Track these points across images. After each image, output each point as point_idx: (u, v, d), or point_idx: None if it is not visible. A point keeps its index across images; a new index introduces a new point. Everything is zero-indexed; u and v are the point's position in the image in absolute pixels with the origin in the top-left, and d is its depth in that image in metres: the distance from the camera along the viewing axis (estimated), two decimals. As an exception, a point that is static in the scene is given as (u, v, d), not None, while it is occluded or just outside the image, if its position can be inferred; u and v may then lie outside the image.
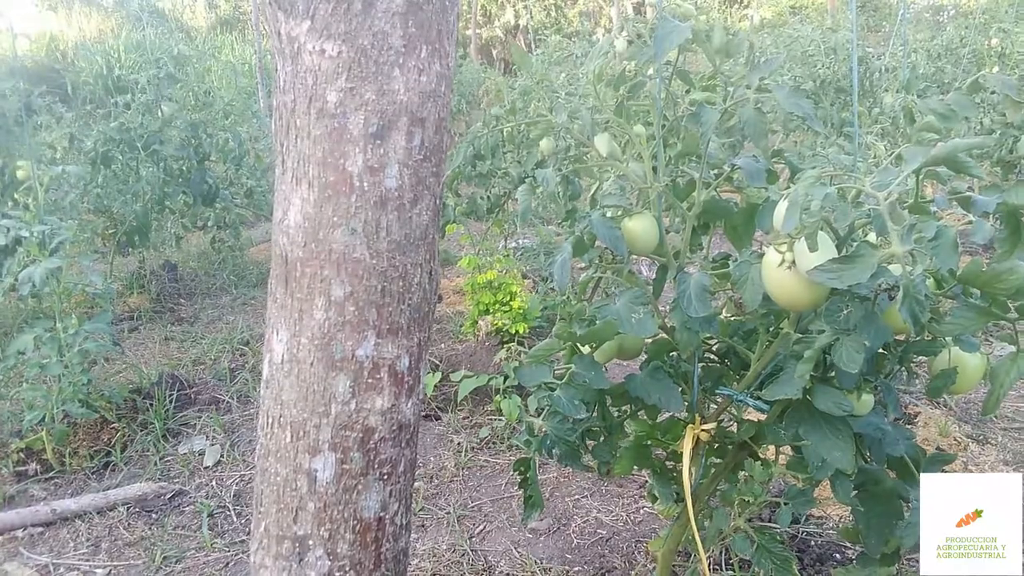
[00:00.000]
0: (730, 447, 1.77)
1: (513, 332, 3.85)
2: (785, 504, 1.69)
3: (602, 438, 1.77)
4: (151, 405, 3.51)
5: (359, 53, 1.08)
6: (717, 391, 1.70)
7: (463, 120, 10.49)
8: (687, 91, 1.82)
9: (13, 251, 3.49)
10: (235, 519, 2.82)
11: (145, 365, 4.17)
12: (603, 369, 1.63)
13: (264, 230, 7.24)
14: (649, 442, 1.76)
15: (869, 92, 5.03)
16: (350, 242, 1.12)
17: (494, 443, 3.27)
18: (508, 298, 3.92)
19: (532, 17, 17.57)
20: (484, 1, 18.52)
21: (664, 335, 1.67)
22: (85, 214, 5.25)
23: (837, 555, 2.38)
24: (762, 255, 1.33)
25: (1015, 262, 1.15)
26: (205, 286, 5.78)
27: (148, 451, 3.29)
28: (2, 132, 4.51)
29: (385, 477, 1.21)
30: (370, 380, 1.17)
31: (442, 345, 4.20)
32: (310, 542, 1.19)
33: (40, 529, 2.80)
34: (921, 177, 1.27)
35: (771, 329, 1.56)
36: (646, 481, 2.88)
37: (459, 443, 3.25)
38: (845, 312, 1.24)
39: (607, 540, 2.58)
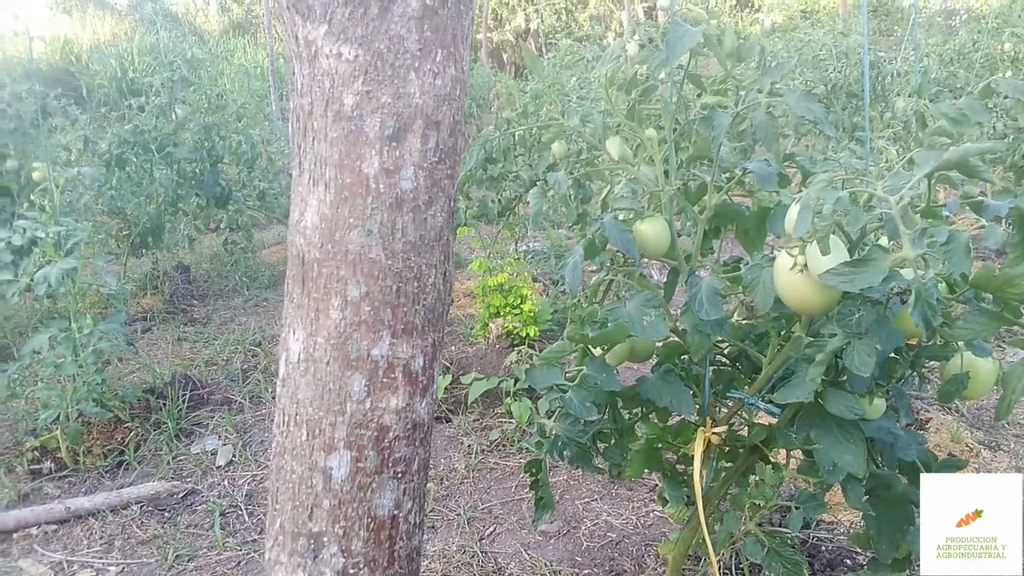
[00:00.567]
0: (741, 451, 1.77)
1: (524, 335, 3.86)
2: (796, 508, 1.69)
3: (613, 440, 1.78)
4: (164, 405, 3.54)
5: (375, 57, 1.09)
6: (728, 394, 1.71)
7: (474, 124, 10.53)
8: (698, 95, 1.83)
9: (29, 251, 3.53)
10: (247, 518, 2.84)
11: (158, 365, 4.21)
12: (615, 372, 1.63)
13: (276, 232, 7.28)
14: (660, 445, 1.76)
15: (881, 97, 5.01)
16: (366, 243, 1.13)
17: (504, 446, 3.28)
18: (519, 301, 3.93)
19: (543, 21, 17.60)
20: (495, 5, 18.57)
21: (675, 338, 1.68)
22: (99, 215, 5.30)
23: (848, 561, 2.37)
24: (774, 259, 1.33)
25: (1028, 267, 1.15)
26: (218, 287, 5.82)
27: (161, 450, 3.31)
28: (18, 134, 4.57)
29: (399, 475, 1.23)
30: (385, 379, 1.18)
31: (453, 348, 4.21)
32: (325, 539, 1.20)
33: (54, 527, 2.82)
34: (933, 181, 1.27)
35: (782, 333, 1.56)
36: (656, 485, 2.88)
37: (469, 445, 3.27)
38: (857, 316, 1.24)
39: (617, 543, 2.59)
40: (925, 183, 1.24)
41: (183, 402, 3.63)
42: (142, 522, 2.83)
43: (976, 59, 5.80)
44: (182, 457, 3.29)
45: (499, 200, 4.26)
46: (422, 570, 2.41)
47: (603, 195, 1.87)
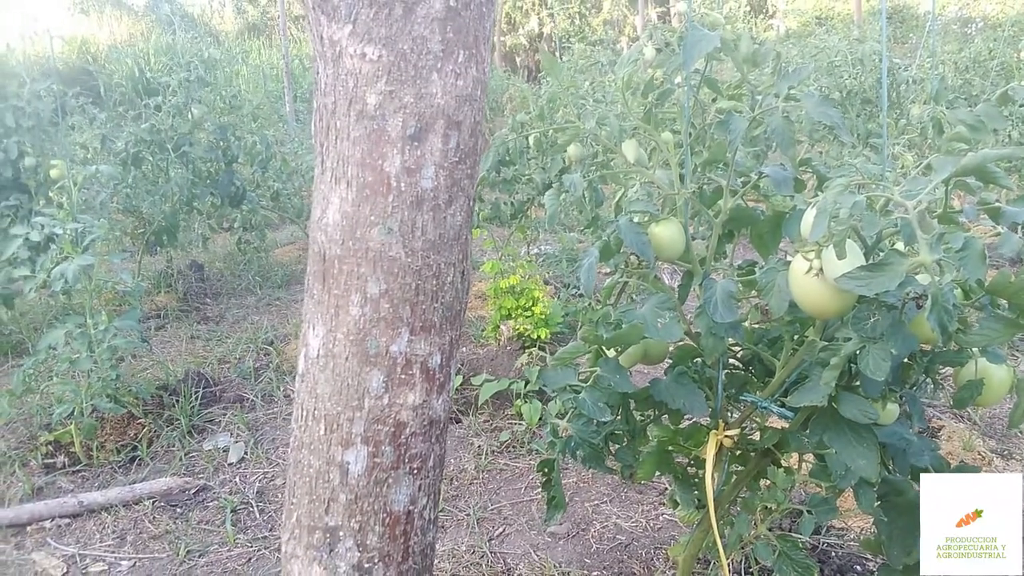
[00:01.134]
0: (753, 454, 1.77)
1: (535, 337, 3.87)
2: (808, 513, 1.69)
3: (625, 442, 1.79)
4: (177, 402, 3.56)
5: (399, 57, 1.11)
6: (741, 398, 1.71)
7: (487, 127, 10.55)
8: (713, 99, 1.83)
9: (46, 248, 3.57)
10: (258, 515, 2.86)
11: (172, 362, 4.24)
12: (628, 373, 1.64)
13: (289, 232, 7.32)
14: (671, 448, 1.77)
15: (896, 103, 5.00)
16: (386, 241, 1.15)
17: (514, 447, 3.29)
18: (530, 303, 3.94)
19: (556, 25, 17.62)
20: (508, 9, 18.61)
21: (689, 341, 1.69)
22: (115, 213, 5.35)
23: (858, 567, 2.37)
24: (789, 262, 1.34)
25: (1044, 273, 1.16)
26: (231, 286, 5.86)
27: (173, 447, 3.34)
28: (37, 132, 4.61)
29: (415, 471, 1.24)
30: (403, 376, 1.19)
31: (464, 349, 4.23)
32: (341, 533, 1.22)
33: (67, 520, 2.85)
34: (950, 187, 1.28)
35: (796, 337, 1.56)
36: (666, 488, 2.88)
37: (479, 446, 3.27)
38: (872, 320, 1.25)
39: (626, 546, 2.59)
40: (942, 188, 1.25)
41: (196, 399, 3.65)
42: (154, 517, 2.85)
43: (992, 67, 5.78)
44: (194, 454, 3.32)
45: (512, 203, 4.27)
46: (432, 569, 2.42)
47: (616, 198, 1.88)
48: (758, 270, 1.50)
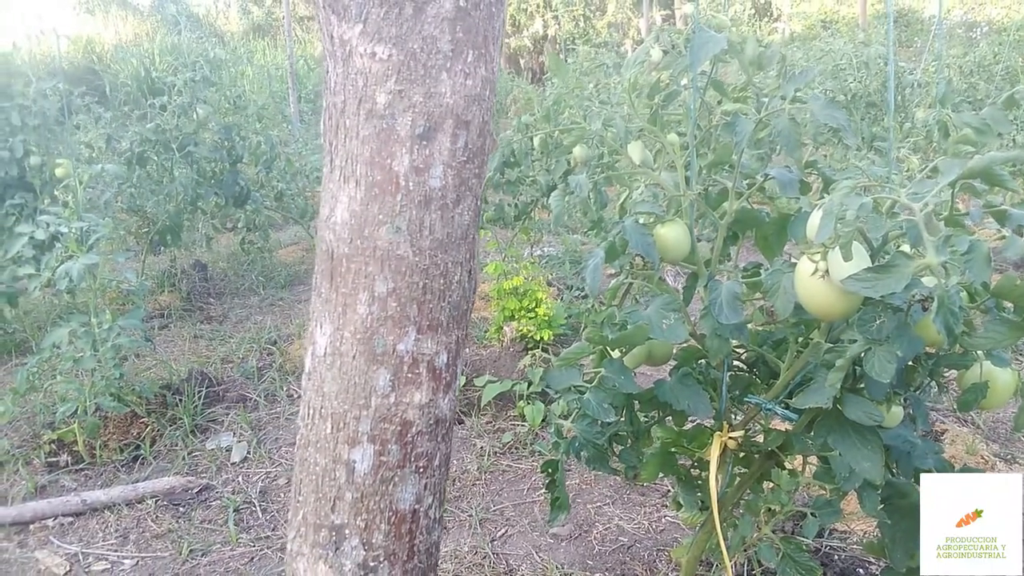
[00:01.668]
0: (756, 456, 1.77)
1: (538, 339, 3.87)
2: (812, 515, 1.69)
3: (629, 443, 1.79)
4: (180, 401, 3.57)
5: (409, 56, 1.11)
6: (746, 399, 1.71)
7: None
8: (719, 102, 1.84)
9: (51, 246, 3.58)
10: (260, 515, 2.87)
11: (175, 362, 4.24)
12: (632, 374, 1.64)
13: (293, 233, 7.33)
14: (675, 449, 1.77)
15: (901, 107, 5.00)
16: (394, 239, 1.15)
17: (517, 448, 3.29)
18: (533, 305, 3.94)
19: (560, 28, 17.64)
20: (512, 11, 18.62)
21: (694, 342, 1.69)
22: (119, 213, 5.36)
23: (860, 570, 2.37)
24: (794, 264, 1.34)
25: (1050, 277, 1.16)
26: (234, 286, 5.87)
27: (176, 446, 3.34)
28: (42, 131, 4.63)
29: (421, 470, 1.24)
30: (410, 375, 1.20)
31: (467, 350, 4.23)
32: (347, 531, 1.22)
33: (70, 519, 2.85)
34: (956, 190, 1.28)
35: (800, 339, 1.57)
36: (668, 490, 2.88)
37: (482, 447, 3.28)
38: (878, 322, 1.25)
39: (628, 547, 2.59)
40: (949, 191, 1.25)
41: (199, 399, 3.66)
42: (157, 516, 2.86)
43: (997, 72, 5.78)
44: (197, 453, 3.32)
45: (516, 204, 4.27)
46: (435, 569, 2.42)
47: (621, 200, 1.89)
48: (763, 272, 1.51)
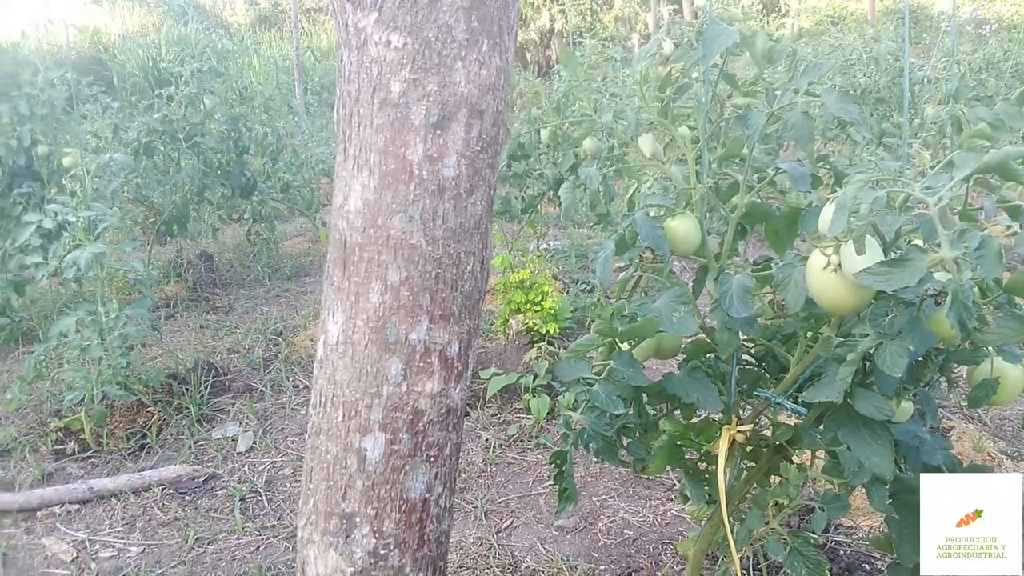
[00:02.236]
0: (765, 450, 1.77)
1: (543, 332, 3.87)
2: (820, 509, 1.69)
3: (638, 435, 1.79)
4: (187, 390, 3.58)
5: (423, 45, 1.11)
6: (755, 393, 1.71)
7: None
8: (729, 95, 1.83)
9: (58, 235, 3.58)
10: (266, 504, 2.88)
11: (181, 351, 4.25)
12: (641, 367, 1.64)
13: (299, 224, 7.34)
14: (683, 442, 1.77)
15: (911, 103, 4.98)
16: (407, 229, 1.15)
17: (522, 441, 3.29)
18: (539, 298, 3.94)
19: (568, 21, 17.58)
20: (520, 5, 18.56)
21: (703, 335, 1.69)
22: (126, 203, 5.36)
23: (866, 566, 2.37)
24: (806, 258, 1.34)
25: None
26: (240, 277, 5.88)
27: (183, 435, 3.35)
28: (50, 120, 4.63)
29: (432, 459, 1.24)
30: (421, 364, 1.20)
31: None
32: (357, 519, 1.22)
33: (77, 506, 2.87)
34: (971, 184, 1.27)
35: (811, 333, 1.56)
36: (673, 484, 2.89)
37: (487, 439, 3.28)
38: (890, 317, 1.24)
39: (634, 540, 2.60)
40: (963, 185, 1.25)
41: (205, 388, 3.67)
42: (163, 504, 2.87)
43: (1006, 68, 5.75)
44: (203, 442, 3.33)
45: (523, 197, 4.27)
46: (440, 560, 2.43)
47: (629, 194, 1.88)
48: (774, 266, 1.50)
